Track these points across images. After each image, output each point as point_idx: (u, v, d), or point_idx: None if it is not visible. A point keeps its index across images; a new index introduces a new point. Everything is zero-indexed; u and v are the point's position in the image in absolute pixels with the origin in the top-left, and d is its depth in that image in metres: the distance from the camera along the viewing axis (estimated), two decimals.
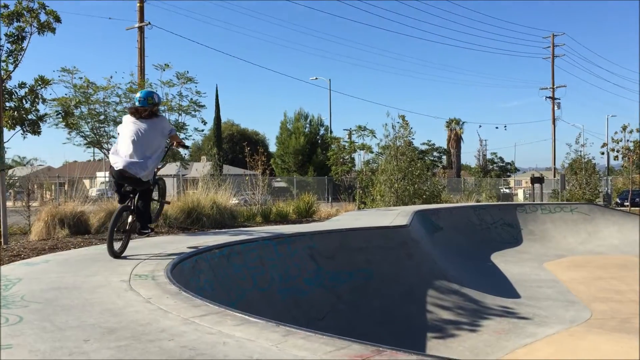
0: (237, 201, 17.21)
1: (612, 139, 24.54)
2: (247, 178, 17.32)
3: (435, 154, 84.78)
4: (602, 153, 28.59)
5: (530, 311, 7.54)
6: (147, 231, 5.64)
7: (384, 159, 22.35)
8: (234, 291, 5.46)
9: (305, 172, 43.07)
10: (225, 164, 43.50)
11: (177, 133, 8.06)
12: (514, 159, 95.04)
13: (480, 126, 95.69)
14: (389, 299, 7.25)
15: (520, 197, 46.39)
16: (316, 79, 48.48)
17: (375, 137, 25.32)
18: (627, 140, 23.79)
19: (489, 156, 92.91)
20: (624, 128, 23.61)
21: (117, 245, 5.40)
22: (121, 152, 5.35)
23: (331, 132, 45.54)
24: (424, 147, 79.96)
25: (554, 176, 49.93)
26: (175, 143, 5.80)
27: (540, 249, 13.90)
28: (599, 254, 13.37)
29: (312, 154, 43.48)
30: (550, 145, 50.77)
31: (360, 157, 23.49)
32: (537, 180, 29.16)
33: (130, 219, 5.56)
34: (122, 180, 5.40)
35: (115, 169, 5.31)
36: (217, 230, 8.51)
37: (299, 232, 7.55)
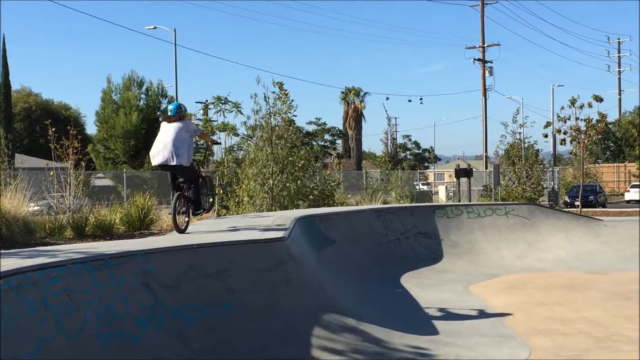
0: (36, 208, 16.52)
1: (558, 116, 26.28)
2: (51, 173, 16.69)
3: (327, 136, 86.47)
4: (546, 136, 30.54)
5: (451, 352, 7.93)
6: (199, 212, 10.51)
7: (254, 145, 22.41)
8: (27, 342, 5.26)
9: (140, 164, 42.17)
10: (18, 153, 41.54)
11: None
12: (434, 145, 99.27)
13: (387, 98, 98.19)
14: (258, 342, 7.30)
15: (441, 196, 48.59)
16: (155, 28, 47.49)
17: (242, 114, 25.31)
18: (577, 119, 25.61)
19: (400, 140, 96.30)
20: (573, 102, 25.37)
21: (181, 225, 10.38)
22: (155, 150, 10.07)
23: None
24: (311, 128, 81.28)
25: (486, 167, 52.73)
26: (209, 143, 11.72)
27: (466, 266, 14.62)
28: (541, 271, 14.33)
29: (151, 138, 42.73)
30: (481, 125, 53.56)
31: (220, 142, 23.30)
32: (464, 172, 30.69)
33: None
34: (165, 169, 10.26)
35: (154, 164, 10.13)
36: (2, 252, 8.14)
37: (128, 251, 7.41)
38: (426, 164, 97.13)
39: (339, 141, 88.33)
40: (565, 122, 25.87)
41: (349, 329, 8.18)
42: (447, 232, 15.90)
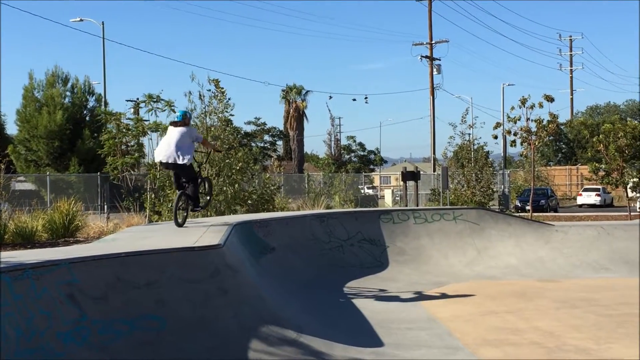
0: None
1: (508, 117, 26.74)
2: None
3: (267, 137, 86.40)
4: (495, 137, 31.02)
5: None
6: (197, 208, 12.59)
7: None
8: None
9: (65, 166, 41.47)
10: None
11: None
12: (380, 146, 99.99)
13: (330, 97, 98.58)
14: (192, 358, 7.26)
15: (388, 200, 48.97)
16: (81, 20, 46.83)
17: (176, 112, 25.12)
18: (528, 119, 26.07)
19: (344, 141, 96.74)
20: (523, 102, 25.82)
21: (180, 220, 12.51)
22: (160, 150, 12.00)
23: (107, 104, 44.35)
24: (250, 128, 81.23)
25: (434, 170, 53.35)
26: (211, 151, 14.24)
27: (412, 274, 14.77)
28: (491, 278, 14.56)
29: (77, 139, 41.99)
30: (429, 125, 54.17)
31: (152, 144, 23.09)
32: (411, 175, 30.99)
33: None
34: (166, 167, 12.67)
35: (157, 160, 12.27)
36: None
37: (51, 261, 7.31)
38: (372, 167, 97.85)
39: (280, 142, 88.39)
40: (515, 122, 26.33)
41: (288, 342, 8.20)
42: (393, 239, 16.03)
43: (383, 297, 12.49)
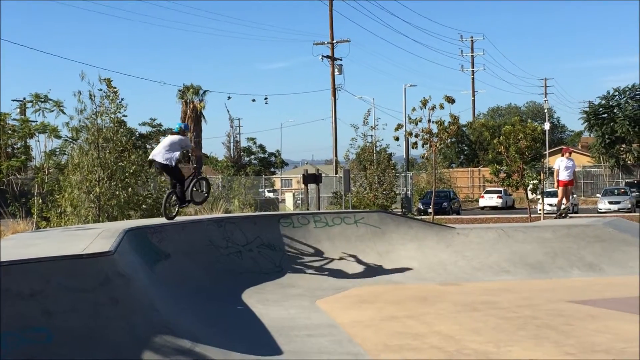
0: None
1: (410, 118, 27.23)
2: None
3: (162, 139, 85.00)
4: (397, 139, 31.56)
5: None
6: (184, 205, 15.45)
7: (78, 148, 21.85)
8: None
9: None
10: None
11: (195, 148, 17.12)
12: (281, 148, 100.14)
13: (229, 97, 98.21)
14: None
15: (289, 203, 49.16)
16: None
17: (65, 113, 24.69)
18: (429, 121, 26.60)
19: (244, 143, 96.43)
20: (424, 103, 26.37)
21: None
22: (153, 151, 15.01)
23: None
24: (145, 129, 79.97)
25: (336, 173, 53.77)
26: (195, 156, 16.71)
27: (312, 280, 14.84)
28: (392, 283, 14.77)
29: None
30: (331, 127, 54.58)
31: (39, 145, 22.65)
32: (312, 178, 31.20)
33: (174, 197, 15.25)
34: (155, 166, 15.33)
35: (149, 158, 15.12)
36: None
37: None
38: (272, 169, 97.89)
39: None
40: (416, 124, 26.87)
41: (183, 352, 8.13)
42: (294, 243, 16.07)
43: (283, 303, 12.51)
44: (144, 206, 22.32)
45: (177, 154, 14.83)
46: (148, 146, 69.22)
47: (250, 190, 44.06)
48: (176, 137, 15.08)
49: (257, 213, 25.12)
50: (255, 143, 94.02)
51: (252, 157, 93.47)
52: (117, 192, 20.63)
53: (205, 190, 16.41)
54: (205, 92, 79.91)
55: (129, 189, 21.17)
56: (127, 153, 21.91)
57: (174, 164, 14.75)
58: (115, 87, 21.57)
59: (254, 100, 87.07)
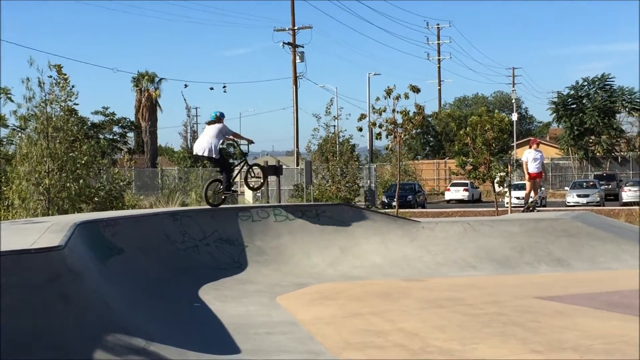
0: None
1: (374, 108, 27.29)
2: None
3: (116, 129, 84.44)
4: (360, 129, 31.64)
5: None
6: (228, 192, 16.55)
7: (26, 138, 21.62)
8: None
9: None
10: None
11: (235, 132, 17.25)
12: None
13: (186, 86, 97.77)
14: None
15: (248, 196, 48.94)
16: None
17: (12, 101, 24.36)
18: (394, 111, 26.65)
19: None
20: (389, 92, 26.40)
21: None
22: (196, 145, 16.16)
23: None
24: (97, 118, 79.23)
25: (297, 164, 53.77)
26: (239, 140, 17.38)
27: (273, 275, 14.82)
28: (355, 279, 14.80)
29: None
30: (292, 117, 54.54)
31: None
32: (273, 170, 31.11)
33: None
34: (202, 159, 20.50)
35: (194, 153, 16.62)
36: None
37: None
38: (231, 161, 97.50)
39: (131, 134, 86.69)
40: (380, 114, 26.89)
41: (136, 351, 8.08)
42: (252, 238, 16.03)
43: (241, 299, 12.49)
44: (96, 199, 22.20)
45: (218, 143, 15.89)
46: (101, 136, 68.70)
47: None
48: (215, 127, 15.90)
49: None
50: None
51: None
52: (68, 184, 20.45)
53: (261, 176, 18.49)
54: (161, 79, 79.48)
55: (81, 181, 20.99)
56: (78, 143, 21.74)
57: (216, 155, 15.80)
58: (65, 74, 21.39)
59: (212, 89, 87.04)
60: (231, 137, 16.69)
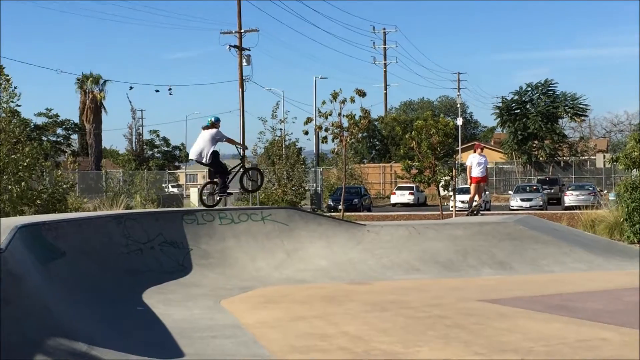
0: None
1: (320, 112, 27.35)
2: None
3: (60, 131, 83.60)
4: (306, 133, 31.67)
5: None
6: (222, 194, 17.73)
7: None
8: None
9: None
10: None
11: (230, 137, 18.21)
12: (186, 142, 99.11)
13: (131, 88, 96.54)
14: None
15: (194, 199, 48.72)
16: None
17: None
18: (340, 114, 26.74)
19: (147, 136, 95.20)
20: (335, 96, 26.48)
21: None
22: (191, 150, 17.42)
23: None
24: (40, 120, 78.37)
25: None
26: (238, 145, 20.09)
27: (218, 279, 14.77)
28: (300, 282, 14.81)
29: None
30: (238, 120, 54.40)
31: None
32: None
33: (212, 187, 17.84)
34: (196, 162, 17.47)
35: (189, 158, 19.74)
36: None
37: None
38: (177, 164, 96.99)
39: (75, 136, 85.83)
40: (326, 118, 26.95)
41: (78, 355, 7.98)
42: (197, 241, 15.96)
43: (186, 303, 12.42)
44: (38, 201, 21.91)
45: (211, 148, 16.83)
46: (44, 138, 67.82)
47: (153, 186, 43.59)
48: (208, 132, 16.91)
49: (159, 209, 24.85)
50: (158, 136, 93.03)
51: (155, 150, 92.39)
52: (10, 187, 20.18)
53: (259, 179, 19.26)
54: (105, 81, 78.71)
55: (23, 183, 20.72)
56: (20, 145, 21.48)
57: (208, 159, 16.81)
58: (7, 75, 21.17)
59: (157, 91, 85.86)
60: (225, 142, 17.75)
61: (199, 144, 16.88)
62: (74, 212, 23.22)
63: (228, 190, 17.76)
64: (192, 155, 17.09)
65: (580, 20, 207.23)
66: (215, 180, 17.57)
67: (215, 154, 17.00)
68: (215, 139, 16.91)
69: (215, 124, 17.05)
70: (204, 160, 16.81)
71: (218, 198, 17.82)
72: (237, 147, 19.52)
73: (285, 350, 9.14)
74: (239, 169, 18.30)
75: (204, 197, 17.75)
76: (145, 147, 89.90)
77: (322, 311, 11.78)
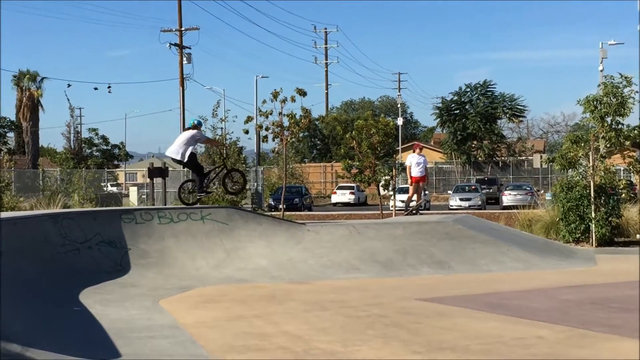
0: None
1: (260, 111, 27.28)
2: None
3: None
4: (247, 132, 31.53)
5: None
6: (202, 194, 18.16)
7: None
8: None
9: None
10: None
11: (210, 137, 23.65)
12: (125, 140, 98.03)
13: (69, 85, 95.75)
14: None
15: (133, 198, 48.24)
16: None
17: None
18: (280, 113, 26.72)
19: (86, 134, 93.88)
20: (275, 95, 26.45)
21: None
22: (169, 149, 17.70)
23: None
24: None
25: (184, 167, 53.19)
26: (217, 146, 29.59)
27: (156, 278, 14.65)
28: (240, 282, 14.77)
29: None
30: (179, 118, 54.03)
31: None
32: (159, 172, 30.69)
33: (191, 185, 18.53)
34: (174, 161, 17.89)
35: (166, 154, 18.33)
36: None
37: None
38: (116, 162, 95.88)
39: (11, 134, 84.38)
40: (267, 117, 26.89)
41: (12, 357, 7.83)
42: (136, 240, 15.80)
43: (123, 303, 12.29)
44: None
45: (190, 148, 17.46)
46: None
47: (91, 184, 43.02)
48: (189, 132, 17.72)
49: (97, 208, 24.54)
50: (97, 134, 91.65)
51: (94, 149, 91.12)
52: None
53: (240, 182, 19.91)
54: (43, 78, 77.52)
55: None
56: None
57: (186, 158, 17.32)
58: None
59: (96, 89, 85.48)
60: (204, 142, 19.29)
61: (177, 144, 17.40)
62: (9, 212, 22.83)
63: (207, 190, 18.55)
64: (170, 153, 17.50)
65: (519, 22, 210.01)
66: (193, 179, 18.45)
67: (192, 155, 17.69)
68: (194, 139, 17.63)
69: (197, 126, 17.92)
70: (180, 158, 17.28)
71: (198, 197, 18.26)
72: (218, 148, 20.35)
73: (224, 350, 9.10)
74: (221, 170, 19.25)
75: (182, 195, 18.26)
76: (83, 145, 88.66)
77: (261, 310, 11.76)
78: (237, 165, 37.92)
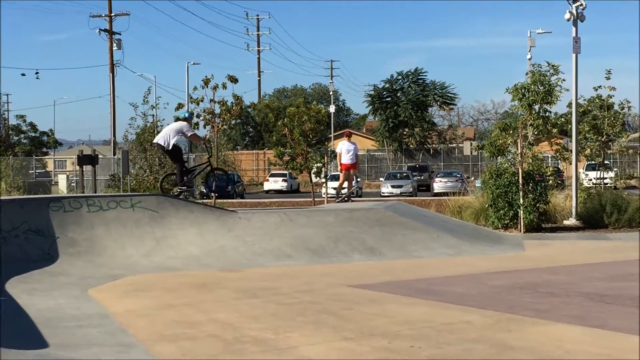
0: None
1: (191, 98, 27.13)
2: None
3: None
4: (178, 119, 31.30)
5: None
6: (182, 188, 18.73)
7: None
8: None
9: None
10: None
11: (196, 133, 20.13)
12: (54, 127, 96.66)
13: None
14: None
15: (62, 186, 47.51)
16: None
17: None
18: (212, 100, 26.60)
19: (13, 121, 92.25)
20: (207, 82, 26.33)
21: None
22: (157, 136, 19.28)
23: None
24: None
25: (114, 154, 52.62)
26: (201, 142, 22.07)
27: (85, 267, 14.46)
28: (170, 270, 14.67)
29: None
30: (109, 105, 53.28)
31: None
32: (88, 160, 30.36)
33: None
34: (157, 148, 22.15)
35: (153, 141, 20.63)
36: None
37: None
38: (45, 150, 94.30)
39: None
40: (198, 104, 26.79)
41: None
42: (64, 229, 15.56)
43: (51, 292, 12.12)
44: None
45: (175, 138, 18.20)
46: None
47: (19, 172, 42.23)
48: (178, 124, 18.60)
49: (23, 197, 24.10)
50: (25, 121, 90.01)
51: (22, 136, 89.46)
52: None
53: (217, 177, 21.35)
54: None
55: None
56: None
57: (170, 147, 18.06)
58: None
59: (23, 75, 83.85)
60: (189, 137, 19.05)
61: (165, 132, 18.36)
62: None
63: (189, 185, 19.10)
64: (157, 139, 18.43)
65: (450, 10, 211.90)
66: (174, 171, 19.44)
67: (176, 146, 18.62)
68: (181, 131, 18.24)
69: (187, 119, 18.81)
70: (164, 145, 18.06)
71: (178, 190, 18.88)
72: (205, 145, 20.48)
73: (154, 339, 9.03)
74: (206, 167, 19.88)
75: (164, 188, 19.49)
76: (11, 132, 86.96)
77: (192, 299, 11.71)
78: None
